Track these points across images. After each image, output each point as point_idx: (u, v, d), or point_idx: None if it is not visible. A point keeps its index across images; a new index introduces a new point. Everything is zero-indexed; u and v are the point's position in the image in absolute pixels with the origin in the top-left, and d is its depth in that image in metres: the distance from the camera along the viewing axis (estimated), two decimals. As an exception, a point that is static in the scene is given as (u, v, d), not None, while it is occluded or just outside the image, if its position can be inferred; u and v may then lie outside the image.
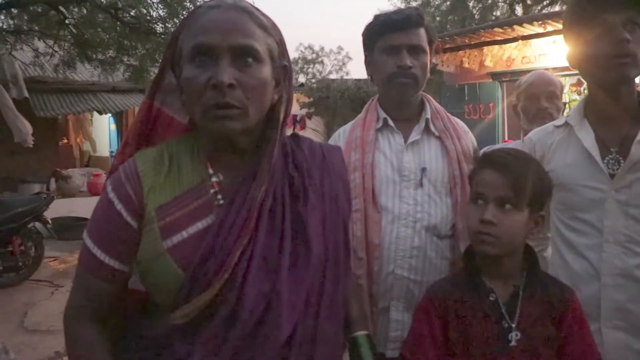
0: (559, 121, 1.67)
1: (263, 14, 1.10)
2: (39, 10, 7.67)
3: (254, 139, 1.12)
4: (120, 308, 1.16)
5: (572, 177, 1.53)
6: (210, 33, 1.01)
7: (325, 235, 1.12)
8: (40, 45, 8.70)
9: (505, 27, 6.90)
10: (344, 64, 22.75)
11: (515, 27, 6.76)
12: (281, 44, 1.13)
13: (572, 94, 7.07)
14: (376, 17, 1.79)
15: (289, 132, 1.25)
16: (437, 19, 14.54)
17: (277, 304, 1.02)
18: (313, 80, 16.50)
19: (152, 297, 1.12)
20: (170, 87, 1.16)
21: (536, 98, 2.30)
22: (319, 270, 1.09)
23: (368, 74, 1.86)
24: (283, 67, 1.13)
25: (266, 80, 1.05)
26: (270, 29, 1.10)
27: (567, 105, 6.93)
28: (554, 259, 1.65)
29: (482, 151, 1.72)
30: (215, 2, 1.06)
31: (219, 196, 1.08)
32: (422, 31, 1.73)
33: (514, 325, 1.31)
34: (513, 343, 1.31)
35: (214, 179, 1.09)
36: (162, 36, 7.78)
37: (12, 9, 7.62)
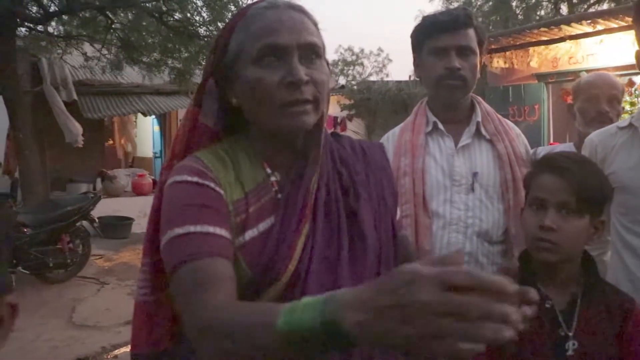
0: (623, 122, 1.62)
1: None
2: (88, 15, 7.90)
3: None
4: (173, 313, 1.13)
5: (634, 179, 1.48)
6: (278, 33, 1.01)
7: (377, 229, 1.12)
8: (88, 49, 8.97)
9: (552, 27, 6.73)
10: (384, 65, 22.59)
11: (563, 26, 6.58)
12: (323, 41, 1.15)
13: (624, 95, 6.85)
14: (424, 19, 1.77)
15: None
16: (480, 19, 14.32)
17: None
18: (353, 82, 16.44)
19: None
20: (209, 91, 1.14)
21: (597, 100, 2.17)
22: (375, 264, 1.09)
23: (417, 75, 1.85)
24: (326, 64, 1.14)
25: (329, 76, 1.08)
26: (319, 27, 1.11)
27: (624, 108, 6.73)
28: (613, 263, 1.60)
29: (540, 154, 1.68)
30: (268, 3, 1.06)
31: (279, 195, 1.08)
32: (471, 32, 1.69)
33: (570, 334, 1.27)
34: (570, 352, 1.27)
35: (272, 178, 1.09)
36: (205, 39, 7.90)
37: (63, 16, 7.87)
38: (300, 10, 1.07)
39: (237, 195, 1.05)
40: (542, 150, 2.02)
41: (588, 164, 1.36)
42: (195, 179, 1.01)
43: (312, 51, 1.04)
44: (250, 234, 1.03)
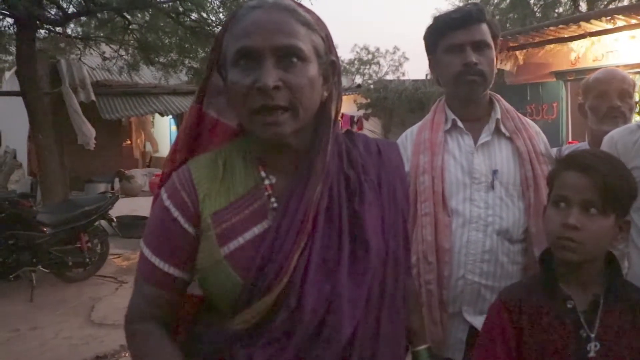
0: None
1: (307, 10, 1.06)
2: (105, 17, 7.98)
3: (305, 137, 1.08)
4: (178, 314, 1.16)
5: None
6: (252, 35, 0.98)
7: (384, 233, 1.09)
8: (106, 50, 9.05)
9: (570, 24, 6.64)
10: (400, 64, 22.61)
11: (582, 23, 6.49)
12: (327, 39, 1.08)
13: (644, 93, 6.74)
14: (436, 19, 1.76)
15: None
16: (497, 17, 14.18)
17: (338, 306, 1.01)
18: (370, 81, 16.40)
19: (211, 302, 1.11)
20: (217, 89, 1.14)
21: (607, 96, 2.13)
22: (379, 269, 1.07)
23: (434, 76, 1.82)
24: (331, 63, 1.09)
25: (313, 79, 1.02)
26: (315, 25, 1.05)
27: (637, 105, 6.62)
28: (632, 260, 1.58)
29: (564, 151, 1.65)
30: (256, 2, 1.03)
31: (273, 199, 1.06)
32: (484, 26, 1.68)
33: (593, 335, 1.25)
34: (592, 354, 1.24)
35: (266, 182, 1.08)
36: (222, 39, 7.91)
37: (81, 17, 7.96)
38: (287, 9, 1.02)
39: (219, 206, 1.05)
40: (566, 149, 1.99)
41: (614, 162, 1.32)
42: (167, 202, 1.08)
43: (292, 54, 0.99)
44: (235, 243, 1.03)
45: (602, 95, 2.15)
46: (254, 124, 1.01)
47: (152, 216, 1.11)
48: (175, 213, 1.06)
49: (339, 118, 1.18)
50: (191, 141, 1.18)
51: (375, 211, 1.10)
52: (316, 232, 1.03)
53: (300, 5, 1.06)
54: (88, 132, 8.76)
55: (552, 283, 1.31)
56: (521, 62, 7.57)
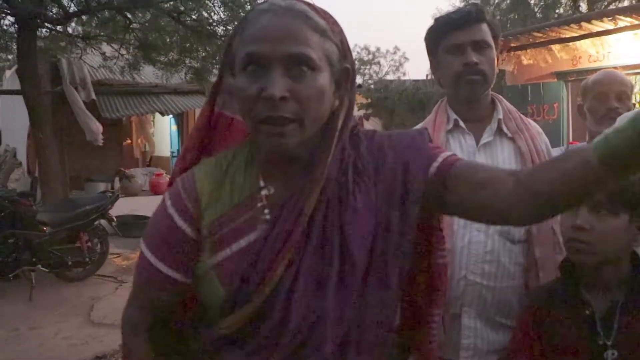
0: None
1: (322, 15, 1.00)
2: (107, 16, 7.97)
3: (311, 147, 1.03)
4: (177, 317, 1.16)
5: None
6: (261, 42, 0.94)
7: (375, 237, 1.01)
8: (107, 49, 9.04)
9: (571, 24, 6.63)
10: (400, 64, 22.69)
11: (583, 24, 6.48)
12: (342, 45, 1.03)
13: (644, 93, 6.73)
14: (436, 20, 1.75)
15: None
16: (497, 17, 14.21)
17: (322, 324, 0.98)
18: (370, 82, 16.42)
19: (202, 304, 1.11)
20: (229, 89, 1.11)
21: (605, 97, 2.14)
22: (362, 284, 1.00)
23: (435, 78, 1.82)
24: (344, 70, 1.04)
25: (323, 89, 0.97)
26: (329, 32, 1.00)
27: (636, 105, 6.61)
28: None
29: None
30: (267, 5, 0.98)
31: (266, 210, 1.02)
32: (484, 26, 1.67)
33: (609, 343, 1.22)
34: None
35: (263, 192, 1.04)
36: (223, 38, 7.92)
37: (82, 16, 7.95)
38: (300, 15, 0.96)
39: (219, 212, 1.04)
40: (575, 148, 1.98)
41: None
42: (171, 210, 1.06)
43: (301, 63, 0.94)
44: (223, 254, 1.02)
45: (601, 97, 2.16)
46: (259, 133, 0.97)
47: (156, 221, 1.10)
48: (180, 222, 1.05)
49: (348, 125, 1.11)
50: (202, 141, 1.18)
51: (365, 218, 1.01)
52: (308, 245, 0.99)
53: (316, 9, 1.01)
54: (95, 128, 8.75)
55: (572, 288, 1.29)
56: (522, 63, 7.56)
